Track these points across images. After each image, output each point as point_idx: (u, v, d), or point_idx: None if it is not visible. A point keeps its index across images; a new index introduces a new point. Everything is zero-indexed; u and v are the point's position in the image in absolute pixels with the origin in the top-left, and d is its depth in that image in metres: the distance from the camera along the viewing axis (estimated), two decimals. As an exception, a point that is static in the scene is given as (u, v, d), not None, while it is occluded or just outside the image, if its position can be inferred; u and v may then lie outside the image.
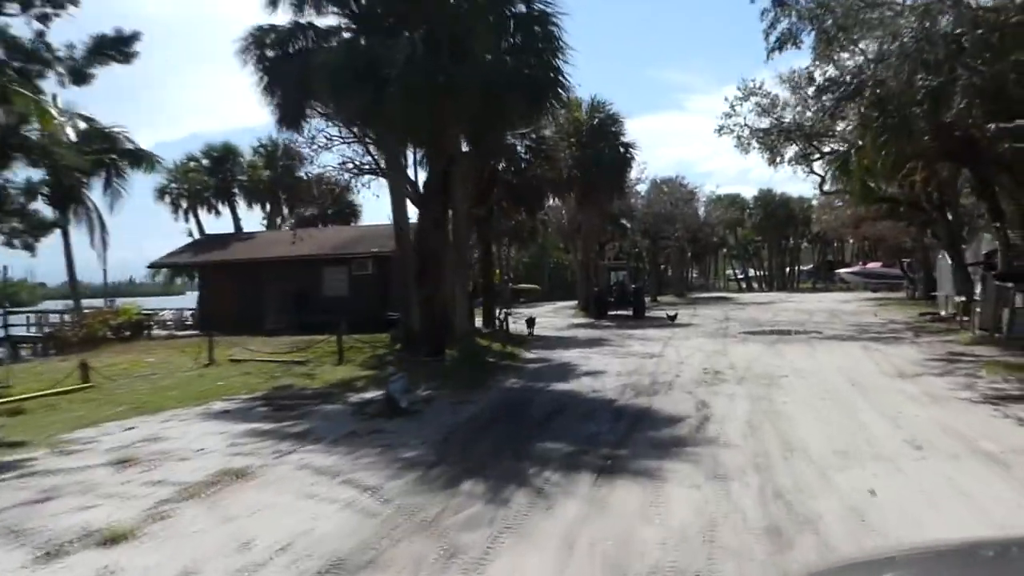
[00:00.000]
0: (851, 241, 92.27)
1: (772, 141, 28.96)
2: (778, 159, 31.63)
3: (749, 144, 29.32)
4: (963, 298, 30.67)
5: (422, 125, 15.14)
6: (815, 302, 48.80)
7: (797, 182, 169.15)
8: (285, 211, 43.43)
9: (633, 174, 53.62)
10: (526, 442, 9.70)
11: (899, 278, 68.14)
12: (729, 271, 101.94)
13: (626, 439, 9.66)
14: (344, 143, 24.24)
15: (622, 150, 37.10)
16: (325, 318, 27.85)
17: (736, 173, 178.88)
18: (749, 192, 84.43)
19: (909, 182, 20.56)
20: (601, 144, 36.65)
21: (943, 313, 31.29)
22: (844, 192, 33.91)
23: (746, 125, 29.09)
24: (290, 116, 18.82)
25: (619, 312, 36.25)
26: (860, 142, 20.14)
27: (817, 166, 32.00)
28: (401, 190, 20.70)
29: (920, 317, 30.56)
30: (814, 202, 62.66)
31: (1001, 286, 20.23)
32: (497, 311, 28.86)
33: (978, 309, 22.33)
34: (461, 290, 21.63)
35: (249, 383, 15.58)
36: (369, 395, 13.49)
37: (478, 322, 28.33)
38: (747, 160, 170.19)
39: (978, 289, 23.04)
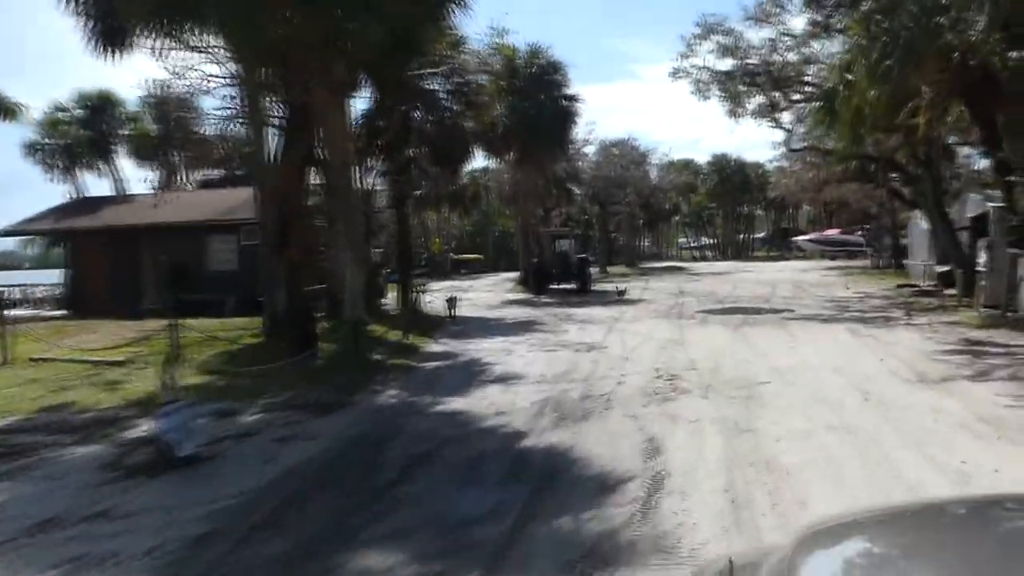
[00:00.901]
0: (807, 208, 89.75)
1: (735, 87, 24.84)
2: (740, 111, 27.63)
3: (708, 90, 25.17)
4: (945, 268, 27.28)
5: (246, 23, 10.53)
6: (774, 272, 45.36)
7: (753, 148, 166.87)
8: (188, 174, 38.14)
9: (581, 134, 49.73)
10: (343, 544, 5.41)
11: (858, 246, 65.37)
12: (682, 239, 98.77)
13: (518, 537, 5.42)
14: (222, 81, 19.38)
15: (564, 103, 32.72)
16: (209, 296, 23.29)
17: (688, 142, 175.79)
18: (702, 160, 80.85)
19: (905, 127, 16.50)
20: (540, 95, 32.22)
21: (922, 285, 27.83)
22: (816, 149, 30.10)
23: (705, 67, 24.90)
24: (107, 31, 14.02)
25: (563, 286, 32.16)
26: (849, 75, 16.05)
27: (787, 117, 28.05)
28: (259, 127, 15.96)
29: (899, 290, 27.04)
30: (771, 166, 59.27)
31: (1018, 254, 16.49)
32: (416, 287, 24.45)
33: (983, 282, 18.63)
34: (354, 261, 17.19)
35: (21, 397, 11.00)
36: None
37: (391, 301, 23.94)
38: (701, 127, 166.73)
39: (981, 259, 19.31)
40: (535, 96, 31.89)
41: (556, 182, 46.66)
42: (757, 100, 27.94)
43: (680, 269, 54.57)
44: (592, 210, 58.25)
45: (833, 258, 62.97)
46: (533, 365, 12.89)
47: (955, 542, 2.02)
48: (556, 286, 32.22)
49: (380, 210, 23.23)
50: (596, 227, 70.62)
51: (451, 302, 20.94)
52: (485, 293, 33.60)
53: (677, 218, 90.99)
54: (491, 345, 15.60)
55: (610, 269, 54.34)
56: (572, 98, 32.78)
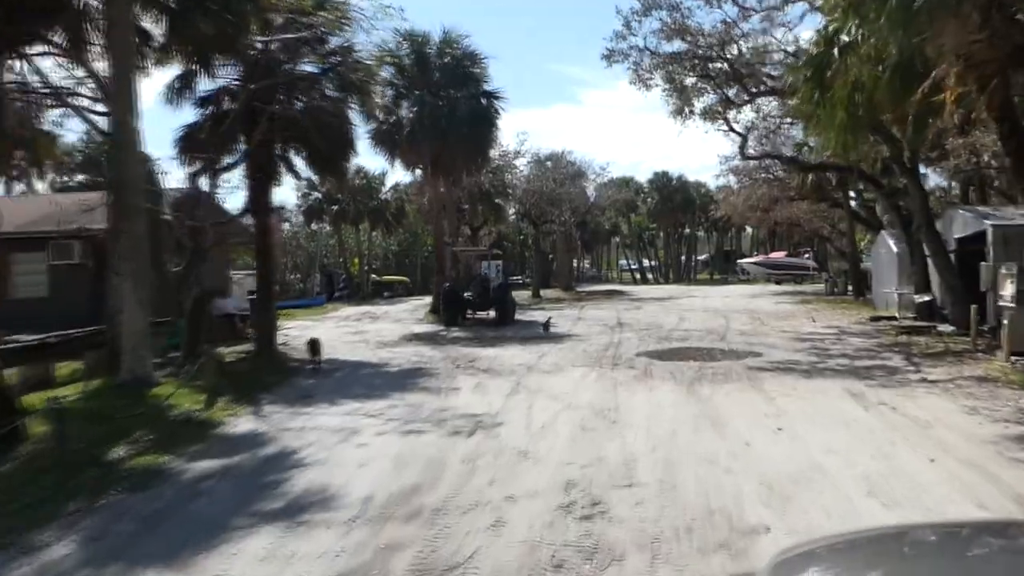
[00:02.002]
0: (750, 229, 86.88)
1: (682, 77, 20.30)
2: (688, 109, 23.17)
3: (650, 79, 20.56)
4: (925, 297, 23.13)
5: None
6: (721, 297, 41.13)
7: (697, 171, 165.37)
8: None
9: (512, 146, 45.27)
10: None
11: (805, 269, 62.19)
12: (623, 261, 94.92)
13: None
14: None
15: (484, 101, 27.88)
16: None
17: (629, 165, 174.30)
18: (644, 179, 77.01)
19: (923, 105, 11.90)
20: (456, 91, 27.35)
21: (899, 318, 23.64)
22: (775, 157, 25.80)
23: (647, 49, 20.26)
24: None
25: (481, 315, 27.15)
26: (845, 36, 11.49)
27: (746, 115, 23.66)
28: None
29: (876, 324, 22.77)
30: (717, 182, 55.58)
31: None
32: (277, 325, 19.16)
33: (1005, 321, 14.20)
34: (135, 291, 11.84)
35: None
36: None
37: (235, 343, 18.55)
38: (642, 151, 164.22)
39: (1007, 291, 14.91)
40: (448, 91, 27.01)
41: (483, 196, 41.84)
42: (707, 99, 23.61)
43: (620, 293, 50.13)
44: (527, 229, 53.62)
45: (779, 282, 59.57)
46: (368, 471, 7.77)
47: (927, 567, 2.10)
48: (476, 315, 27.22)
49: (223, 221, 17.82)
50: (531, 247, 66.21)
51: (313, 346, 15.61)
52: (390, 324, 28.37)
53: (617, 239, 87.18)
54: (332, 421, 10.40)
55: (544, 293, 49.58)
56: (492, 95, 27.98)
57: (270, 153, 18.50)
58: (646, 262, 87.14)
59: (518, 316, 28.65)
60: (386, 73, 27.46)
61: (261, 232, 18.67)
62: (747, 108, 23.93)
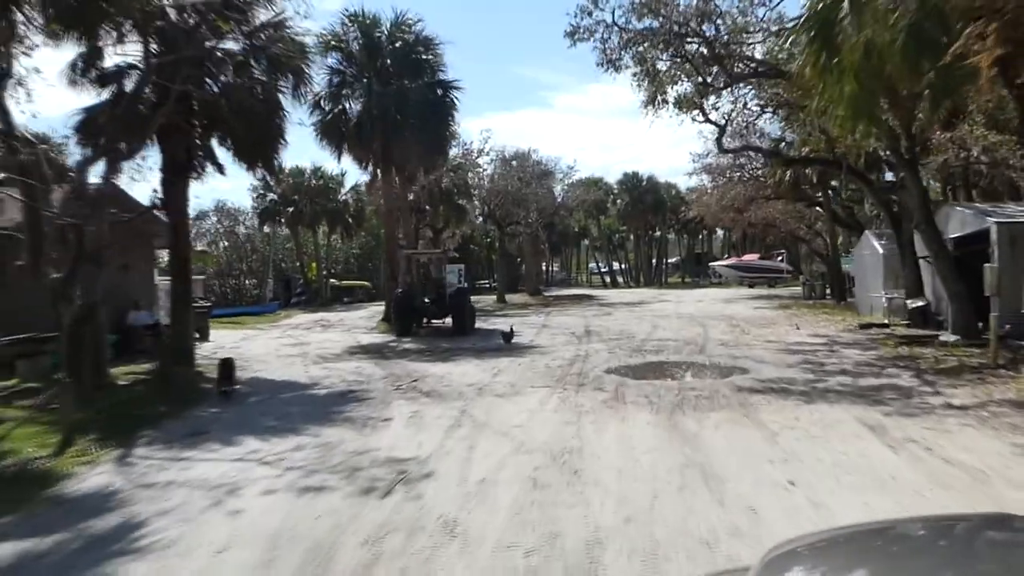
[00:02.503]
0: (721, 232, 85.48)
1: (654, 59, 18.18)
2: (660, 96, 21.09)
3: (619, 60, 18.40)
4: (919, 303, 21.29)
5: None
6: (695, 302, 39.24)
7: (668, 174, 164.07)
8: None
9: (475, 143, 43.02)
10: None
11: (779, 272, 60.71)
12: (593, 264, 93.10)
13: None
14: None
15: (439, 91, 25.58)
16: None
17: (598, 168, 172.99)
18: (613, 180, 75.01)
19: (943, 74, 9.81)
20: (409, 80, 25.05)
21: (891, 324, 21.81)
22: (754, 149, 23.80)
23: (615, 25, 18.07)
24: None
25: (438, 323, 24.83)
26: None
27: (724, 104, 21.63)
28: None
29: (866, 332, 20.87)
30: (689, 181, 53.88)
31: None
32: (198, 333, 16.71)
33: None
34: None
35: None
36: None
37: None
38: (612, 154, 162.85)
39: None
40: (399, 79, 24.68)
41: (444, 197, 39.50)
42: (681, 87, 21.55)
43: (589, 298, 48.08)
44: (493, 231, 51.38)
45: (751, 285, 58.10)
46: (222, 566, 5.44)
47: (918, 562, 2.07)
48: (428, 323, 24.89)
49: (125, 219, 15.28)
50: (497, 250, 64.16)
51: (225, 371, 13.15)
52: (339, 334, 25.96)
53: (587, 242, 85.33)
54: (214, 471, 8.03)
55: (510, 298, 47.38)
56: (448, 85, 25.69)
57: (188, 142, 16.06)
58: (616, 265, 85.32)
59: (479, 324, 26.39)
60: (332, 60, 25.18)
61: (175, 231, 16.17)
62: (725, 96, 21.91)
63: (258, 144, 16.78)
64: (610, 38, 17.90)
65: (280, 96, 17.09)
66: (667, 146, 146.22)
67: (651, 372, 14.62)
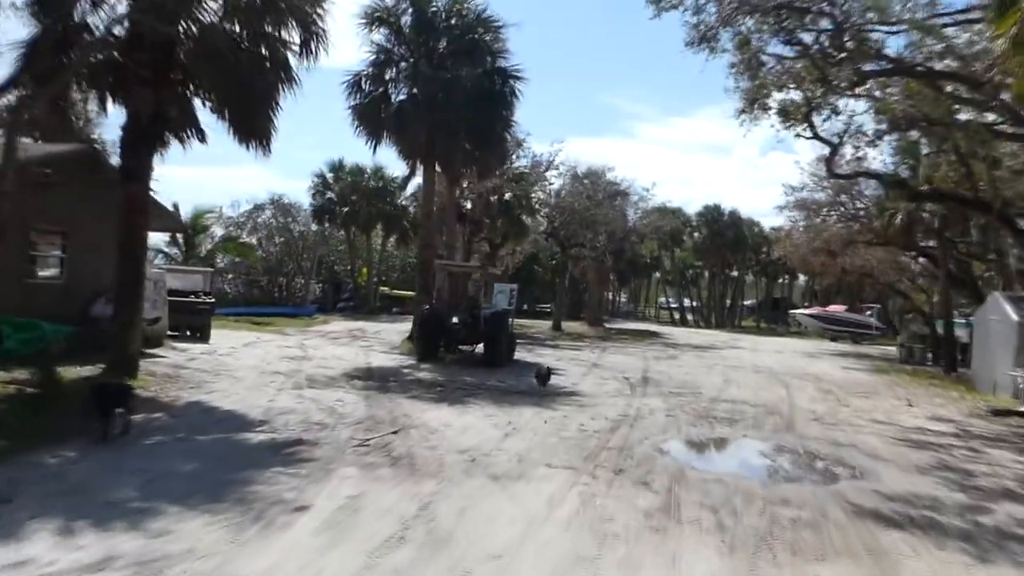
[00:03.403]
0: (803, 278, 79.64)
1: (760, 40, 14.14)
2: (758, 103, 17.04)
3: (715, 37, 14.39)
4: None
5: None
6: (774, 353, 34.52)
7: (747, 212, 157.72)
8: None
9: (544, 155, 39.41)
10: None
11: (867, 327, 55.01)
12: (663, 299, 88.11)
13: None
14: None
15: (496, 79, 21.98)
16: None
17: (679, 201, 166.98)
18: (692, 211, 70.12)
19: None
20: (462, 65, 21.53)
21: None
22: (872, 176, 19.41)
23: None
24: None
25: (469, 348, 21.07)
26: None
27: (831, 125, 17.42)
28: None
29: (1001, 418, 16.21)
30: (775, 219, 48.98)
31: None
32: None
33: None
34: None
35: None
36: None
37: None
38: (692, 189, 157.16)
39: None
40: (452, 65, 21.20)
41: (504, 208, 35.87)
42: (789, 94, 17.44)
43: (654, 335, 43.73)
44: (558, 252, 47.48)
45: (835, 339, 52.62)
46: None
47: None
48: (461, 348, 21.16)
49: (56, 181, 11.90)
50: (563, 273, 60.48)
51: (105, 398, 9.45)
52: (358, 350, 22.58)
53: (658, 274, 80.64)
54: None
55: (568, 326, 43.43)
56: (508, 74, 22.02)
57: (157, 98, 12.74)
58: (687, 302, 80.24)
59: (522, 355, 22.66)
60: (379, 36, 21.88)
61: (128, 206, 12.84)
62: (841, 109, 17.64)
63: (245, 107, 13.38)
64: (706, 5, 13.89)
65: (288, 55, 13.72)
66: (751, 186, 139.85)
67: (722, 458, 10.53)
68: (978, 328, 26.18)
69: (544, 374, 16.27)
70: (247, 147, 13.90)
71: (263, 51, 13.42)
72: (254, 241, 53.76)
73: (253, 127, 13.59)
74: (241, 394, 12.78)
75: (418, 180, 30.61)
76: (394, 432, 10.32)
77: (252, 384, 14.00)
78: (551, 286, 70.67)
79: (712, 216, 66.23)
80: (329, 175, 52.91)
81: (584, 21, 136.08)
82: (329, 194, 52.62)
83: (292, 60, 13.70)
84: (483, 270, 21.65)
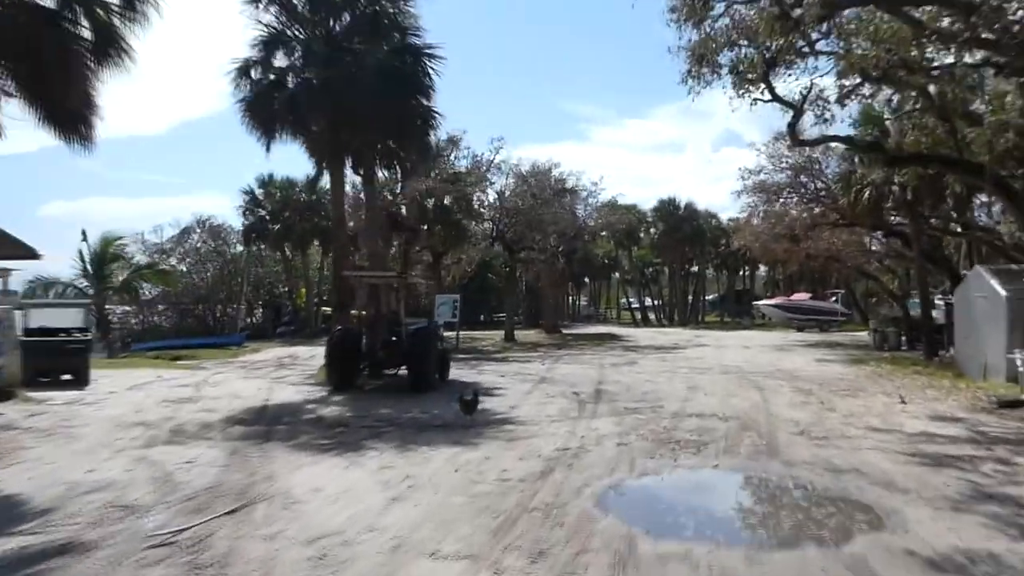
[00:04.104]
0: (763, 269, 77.93)
1: None
2: (704, 66, 14.45)
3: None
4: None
5: None
6: (741, 349, 32.06)
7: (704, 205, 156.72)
8: None
9: (485, 155, 36.63)
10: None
11: (832, 315, 53.13)
12: (624, 300, 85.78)
13: None
14: None
15: (407, 59, 19.08)
16: None
17: (636, 200, 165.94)
18: (649, 205, 67.49)
19: None
20: (368, 44, 18.61)
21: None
22: (846, 143, 16.89)
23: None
24: None
25: (394, 372, 18.01)
26: None
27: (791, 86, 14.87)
28: None
29: (1009, 410, 13.72)
30: (733, 208, 46.74)
31: None
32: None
33: None
34: None
35: None
36: None
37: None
38: (650, 188, 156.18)
39: None
40: (354, 43, 18.27)
41: (441, 213, 32.94)
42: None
43: (614, 338, 41.07)
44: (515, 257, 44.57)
45: (801, 328, 50.58)
46: None
47: None
48: (387, 372, 18.12)
49: None
50: (520, 281, 57.73)
51: None
52: (267, 382, 19.45)
53: (617, 274, 78.30)
54: None
55: (523, 336, 40.63)
56: (422, 52, 19.12)
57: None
58: (649, 301, 77.91)
59: (463, 374, 19.82)
60: (269, 15, 18.87)
61: None
62: (803, 68, 15.10)
63: (60, 89, 10.29)
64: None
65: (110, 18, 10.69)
66: (706, 182, 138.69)
67: (687, 511, 7.72)
68: (959, 306, 23.84)
69: (470, 400, 13.33)
70: (64, 138, 10.80)
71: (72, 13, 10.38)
72: (184, 268, 50.42)
73: (64, 112, 10.50)
74: (58, 463, 9.68)
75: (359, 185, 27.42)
76: (230, 512, 7.34)
77: (88, 446, 10.88)
78: (507, 294, 67.98)
79: (668, 210, 63.93)
80: (259, 191, 49.71)
81: (535, 28, 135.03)
82: (260, 211, 49.43)
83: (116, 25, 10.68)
84: (401, 279, 18.59)
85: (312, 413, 14.29)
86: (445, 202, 32.21)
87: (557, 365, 24.59)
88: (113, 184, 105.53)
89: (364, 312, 19.07)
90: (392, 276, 19.39)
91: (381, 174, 25.03)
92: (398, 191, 34.25)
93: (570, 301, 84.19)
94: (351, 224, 34.94)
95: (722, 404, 15.04)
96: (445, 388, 17.76)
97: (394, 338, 17.52)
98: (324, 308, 51.00)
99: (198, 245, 50.31)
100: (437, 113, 20.90)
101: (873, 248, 37.39)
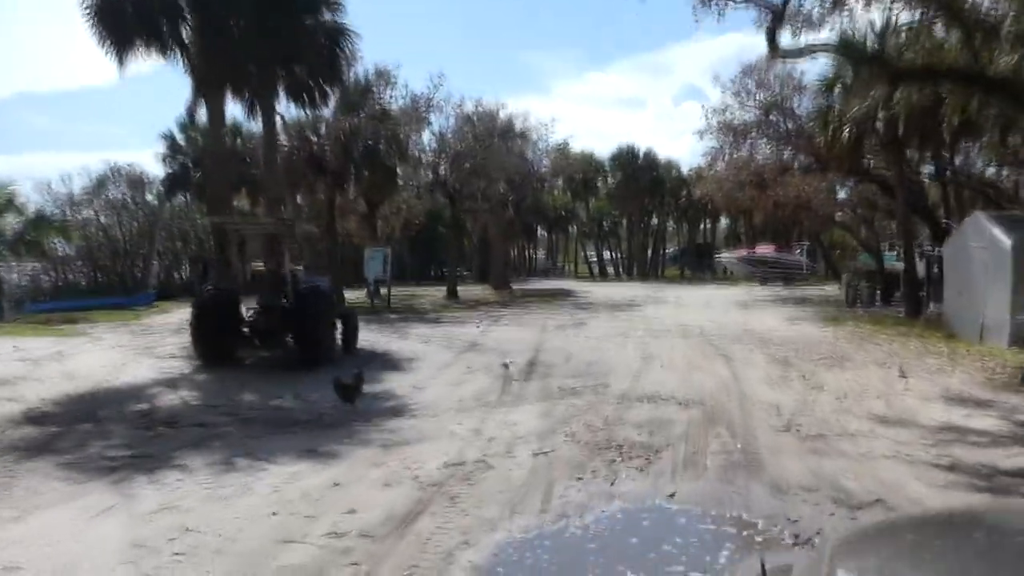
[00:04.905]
0: (724, 221, 75.40)
1: None
2: None
3: None
4: None
5: None
6: (703, 306, 29.19)
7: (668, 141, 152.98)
8: None
9: (423, 92, 32.85)
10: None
11: (798, 268, 50.70)
12: (588, 254, 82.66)
13: None
14: None
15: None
16: None
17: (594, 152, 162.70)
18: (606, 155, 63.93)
19: None
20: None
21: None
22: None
23: None
24: None
25: (287, 341, 14.55)
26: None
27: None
28: None
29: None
30: (700, 144, 43.56)
31: None
32: None
33: None
34: None
35: None
36: None
37: None
38: (611, 141, 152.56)
39: None
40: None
41: (367, 155, 29.21)
42: None
43: (567, 295, 37.98)
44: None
45: (764, 282, 48.06)
46: None
47: (988, 546, 1.96)
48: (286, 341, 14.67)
49: None
50: (472, 233, 54.57)
51: None
52: (141, 353, 15.89)
53: (574, 227, 75.14)
54: None
55: (469, 291, 37.34)
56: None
57: None
58: (608, 255, 74.91)
59: (383, 340, 16.64)
60: None
61: None
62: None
63: None
64: None
65: None
66: (667, 137, 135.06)
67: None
68: (951, 259, 20.99)
69: (350, 385, 10.00)
70: None
71: None
72: (103, 220, 46.35)
73: None
74: None
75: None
76: None
77: None
78: (459, 247, 64.48)
79: (626, 159, 60.48)
80: (180, 136, 45.35)
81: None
82: (182, 159, 45.19)
83: None
84: (285, 226, 14.89)
85: (148, 402, 10.87)
86: (373, 144, 28.42)
87: (494, 327, 21.40)
88: (61, 138, 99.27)
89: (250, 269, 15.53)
90: (272, 221, 15.77)
91: (287, 108, 21.25)
92: (323, 132, 30.44)
93: (527, 255, 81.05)
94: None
95: (683, 381, 11.97)
96: (349, 361, 14.49)
97: (274, 302, 14.05)
98: (258, 265, 47.21)
99: (116, 196, 46.14)
100: (349, 31, 17.28)
101: (841, 197, 34.61)
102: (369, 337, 18.67)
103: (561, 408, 9.94)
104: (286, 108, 25.63)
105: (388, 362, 14.95)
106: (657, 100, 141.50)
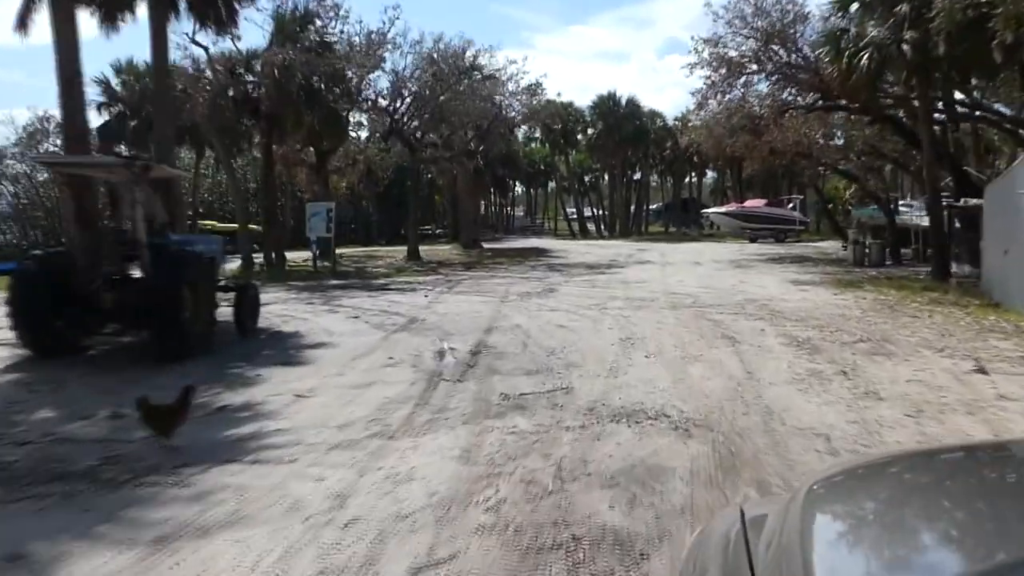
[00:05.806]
0: (711, 174, 71.93)
1: None
2: None
3: None
4: None
5: None
6: (691, 265, 25.82)
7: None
8: None
9: (376, 27, 28.70)
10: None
11: (790, 223, 47.39)
12: (570, 210, 78.96)
13: None
14: None
15: None
16: None
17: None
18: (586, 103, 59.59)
19: None
20: None
21: None
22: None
23: None
24: None
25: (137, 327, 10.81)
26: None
27: None
28: None
29: None
30: (688, 78, 39.77)
31: None
32: None
33: None
34: None
35: None
36: None
37: None
38: (590, 95, 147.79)
39: None
40: None
41: (306, 95, 25.19)
42: None
43: (541, 254, 34.45)
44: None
45: (754, 239, 44.86)
46: None
47: (965, 487, 1.94)
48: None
49: None
50: (444, 188, 50.80)
51: None
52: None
53: (553, 182, 71.34)
54: None
55: (433, 251, 33.76)
56: None
57: None
58: (589, 211, 71.16)
59: (311, 312, 13.16)
60: None
61: None
62: None
63: None
64: None
65: None
66: (651, 90, 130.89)
67: None
68: (992, 212, 17.51)
69: (161, 409, 6.38)
70: None
71: None
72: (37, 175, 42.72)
73: None
74: None
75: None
76: None
77: None
78: (430, 204, 60.54)
79: (607, 107, 56.37)
80: (115, 81, 40.99)
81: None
82: (118, 106, 40.94)
83: None
84: (132, 168, 10.90)
85: None
86: (310, 81, 24.39)
87: (446, 296, 17.86)
88: (37, 92, 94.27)
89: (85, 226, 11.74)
90: (116, 161, 11.87)
91: (189, 24, 17.24)
92: (259, 70, 26.36)
93: (504, 212, 77.37)
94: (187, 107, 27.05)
95: (677, 381, 8.50)
96: (241, 347, 10.99)
97: (131, 271, 10.37)
98: (206, 222, 43.17)
99: (49, 148, 42.08)
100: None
101: (836, 142, 31.10)
102: (287, 310, 15.16)
103: (494, 440, 6.43)
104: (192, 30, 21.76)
105: (290, 349, 11.39)
106: (640, 54, 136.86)
